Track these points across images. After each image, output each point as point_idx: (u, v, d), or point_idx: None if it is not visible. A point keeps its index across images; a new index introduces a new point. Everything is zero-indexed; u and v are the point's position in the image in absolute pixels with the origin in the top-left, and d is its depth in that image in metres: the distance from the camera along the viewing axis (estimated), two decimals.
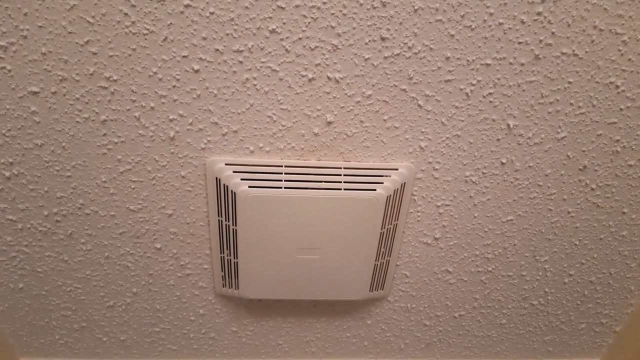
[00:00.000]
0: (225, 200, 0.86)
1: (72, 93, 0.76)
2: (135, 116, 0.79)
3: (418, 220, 0.96)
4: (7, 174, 0.84)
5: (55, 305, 1.04)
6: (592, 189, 0.94)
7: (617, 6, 0.74)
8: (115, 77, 0.75)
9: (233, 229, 0.89)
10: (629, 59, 0.79)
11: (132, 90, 0.77)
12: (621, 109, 0.84)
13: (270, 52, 0.75)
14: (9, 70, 0.74)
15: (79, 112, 0.78)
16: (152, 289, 1.03)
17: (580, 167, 0.90)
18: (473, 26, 0.74)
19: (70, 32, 0.71)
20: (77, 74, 0.75)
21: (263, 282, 0.96)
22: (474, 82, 0.80)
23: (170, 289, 1.03)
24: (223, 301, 1.06)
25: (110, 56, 0.73)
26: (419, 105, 0.82)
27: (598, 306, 1.14)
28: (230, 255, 0.93)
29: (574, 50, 0.77)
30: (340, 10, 0.72)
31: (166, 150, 0.84)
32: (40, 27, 0.70)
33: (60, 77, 0.75)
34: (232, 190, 0.84)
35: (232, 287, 0.99)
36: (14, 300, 1.02)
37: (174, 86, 0.77)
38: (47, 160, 0.83)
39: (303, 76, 0.78)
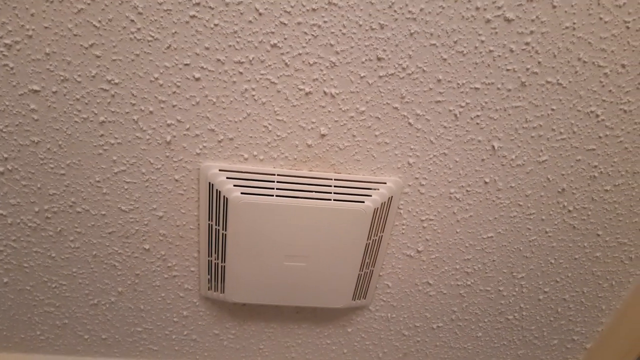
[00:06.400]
0: (217, 205, 0.88)
1: (72, 93, 0.78)
2: (133, 119, 0.81)
3: (402, 233, 0.99)
4: (1, 169, 0.85)
5: (39, 301, 1.04)
6: (570, 211, 0.98)
7: (600, 41, 0.78)
8: (116, 81, 0.77)
9: (223, 233, 0.91)
10: (610, 90, 0.83)
11: (133, 94, 0.78)
12: (600, 137, 0.88)
13: (270, 65, 0.77)
14: (11, 68, 0.75)
15: (78, 112, 0.80)
16: (137, 289, 1.04)
17: (559, 190, 0.95)
18: (465, 52, 0.78)
19: (75, 35, 0.72)
20: (79, 75, 0.76)
21: (249, 287, 0.97)
22: (463, 104, 0.83)
23: (156, 290, 1.04)
24: (207, 304, 1.08)
25: (114, 60, 0.75)
26: (410, 124, 0.85)
27: (570, 323, 1.18)
28: (218, 259, 0.95)
29: (558, 80, 0.82)
30: (340, 30, 0.75)
31: (162, 154, 0.85)
32: (46, 27, 0.72)
33: (62, 78, 0.76)
34: (224, 196, 0.86)
35: (217, 290, 1.00)
36: None
37: (174, 92, 0.79)
38: (42, 157, 0.84)
39: (300, 89, 0.80)
